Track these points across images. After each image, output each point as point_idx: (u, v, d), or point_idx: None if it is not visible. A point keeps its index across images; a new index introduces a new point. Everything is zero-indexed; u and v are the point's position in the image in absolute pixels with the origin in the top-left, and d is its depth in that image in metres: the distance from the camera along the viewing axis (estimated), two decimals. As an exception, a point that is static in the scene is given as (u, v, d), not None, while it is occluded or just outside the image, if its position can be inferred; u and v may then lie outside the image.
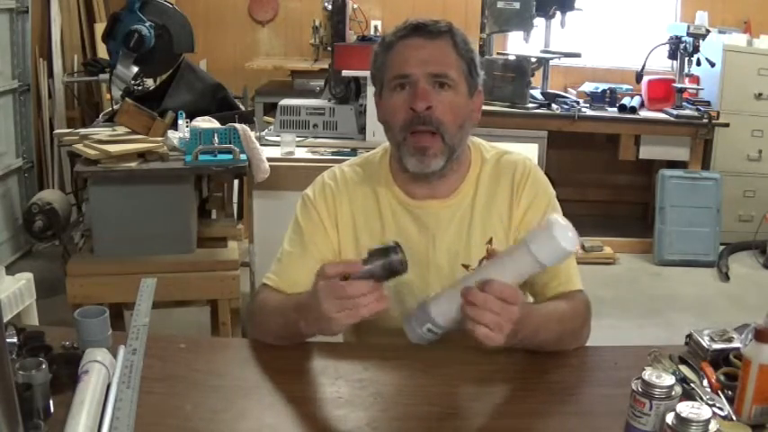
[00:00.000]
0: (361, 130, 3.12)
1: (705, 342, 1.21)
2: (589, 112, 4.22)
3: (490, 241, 1.42)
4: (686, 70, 4.24)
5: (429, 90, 1.32)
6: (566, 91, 4.68)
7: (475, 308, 1.08)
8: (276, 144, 2.99)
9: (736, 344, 1.20)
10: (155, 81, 3.52)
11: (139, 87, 3.24)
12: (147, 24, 3.01)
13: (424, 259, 1.41)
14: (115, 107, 3.06)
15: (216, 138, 2.67)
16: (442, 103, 1.33)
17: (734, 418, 1.05)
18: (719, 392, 1.11)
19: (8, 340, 1.12)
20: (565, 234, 1.09)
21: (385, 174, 1.45)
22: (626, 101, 4.29)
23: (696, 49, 4.12)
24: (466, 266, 1.41)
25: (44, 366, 1.05)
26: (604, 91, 4.35)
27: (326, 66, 3.68)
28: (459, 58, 1.36)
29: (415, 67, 1.33)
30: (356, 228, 1.44)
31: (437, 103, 1.32)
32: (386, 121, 1.39)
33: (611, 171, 4.91)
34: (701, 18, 4.35)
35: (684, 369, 1.18)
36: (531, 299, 1.41)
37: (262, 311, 1.35)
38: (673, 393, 0.98)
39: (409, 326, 1.17)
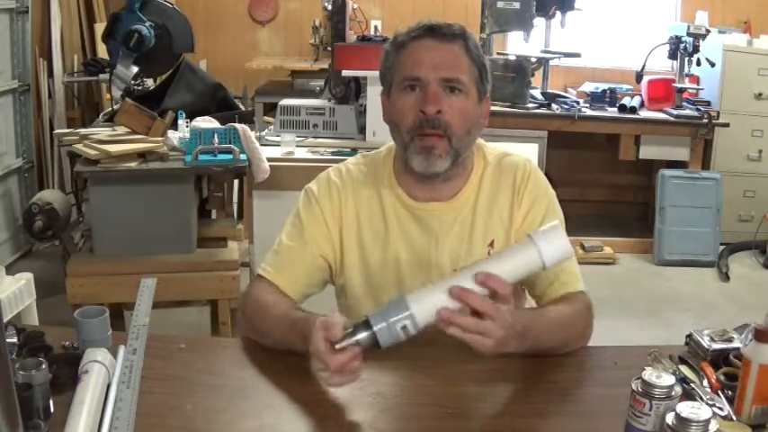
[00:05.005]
0: (361, 130, 3.12)
1: (705, 342, 1.21)
2: (589, 112, 4.22)
3: (492, 243, 1.42)
4: (686, 70, 4.23)
5: (440, 94, 1.32)
6: (566, 91, 4.68)
7: (469, 319, 1.05)
8: (276, 144, 2.99)
9: (736, 344, 1.20)
10: (155, 81, 3.52)
11: (139, 87, 3.24)
12: (147, 24, 3.01)
13: (426, 261, 1.41)
14: (115, 107, 3.06)
15: (216, 138, 2.67)
16: (452, 107, 1.32)
17: (734, 418, 1.06)
18: (719, 392, 1.11)
19: (8, 340, 1.12)
20: (566, 236, 1.11)
21: (389, 174, 1.45)
22: (626, 101, 4.28)
23: (696, 49, 4.12)
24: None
25: (44, 366, 1.05)
26: (604, 91, 4.35)
27: (326, 66, 3.69)
28: (471, 64, 1.35)
29: (427, 70, 1.32)
30: (360, 227, 1.43)
31: (447, 108, 1.32)
32: (393, 122, 1.39)
33: (611, 171, 4.91)
34: (701, 18, 4.35)
35: (684, 369, 1.19)
36: (533, 303, 1.41)
37: (258, 309, 1.34)
38: (673, 393, 0.98)
39: (381, 324, 1.05)
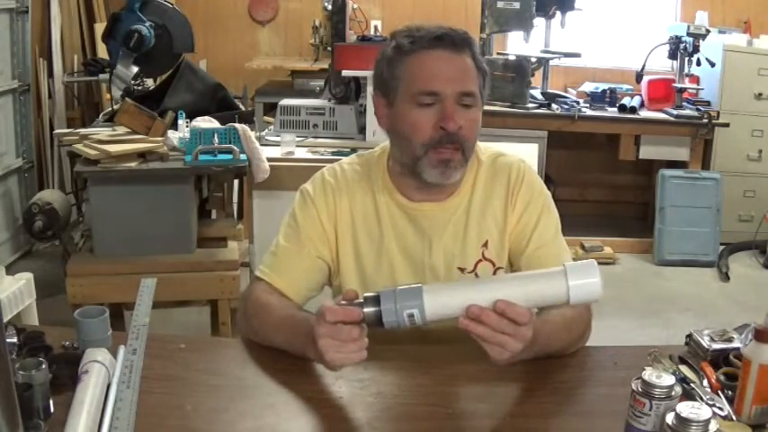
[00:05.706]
0: (361, 130, 3.12)
1: (705, 342, 1.21)
2: (589, 112, 4.22)
3: (485, 244, 1.41)
4: (686, 70, 4.24)
5: (456, 108, 1.32)
6: (566, 91, 4.68)
7: (487, 328, 1.05)
8: (276, 144, 2.99)
9: (736, 344, 1.20)
10: (155, 81, 3.52)
11: (139, 87, 3.24)
12: (147, 24, 3.01)
13: (420, 262, 1.41)
14: (115, 107, 3.06)
15: (216, 138, 2.67)
16: (468, 121, 1.33)
17: (734, 418, 1.06)
18: (719, 392, 1.11)
19: (8, 340, 1.12)
20: (599, 278, 1.07)
21: (382, 175, 1.44)
22: (626, 101, 4.28)
23: (696, 49, 4.12)
24: (462, 269, 1.41)
25: (44, 366, 1.05)
26: (604, 91, 4.35)
27: (326, 66, 3.69)
28: (477, 73, 1.35)
29: (444, 84, 1.31)
30: (355, 228, 1.43)
31: (464, 122, 1.32)
32: (402, 133, 1.36)
33: (611, 171, 4.91)
34: (701, 18, 4.35)
35: (684, 369, 1.18)
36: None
37: (258, 308, 1.33)
38: (673, 393, 0.98)
39: (389, 305, 1.07)
